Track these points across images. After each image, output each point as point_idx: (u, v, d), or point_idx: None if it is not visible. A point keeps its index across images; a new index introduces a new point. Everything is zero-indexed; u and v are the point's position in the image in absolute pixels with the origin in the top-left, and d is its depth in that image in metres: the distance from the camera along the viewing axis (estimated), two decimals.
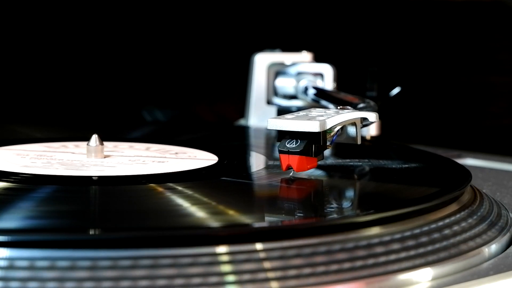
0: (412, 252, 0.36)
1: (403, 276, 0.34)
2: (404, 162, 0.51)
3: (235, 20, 0.90)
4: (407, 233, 0.36)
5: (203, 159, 0.48)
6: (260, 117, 0.67)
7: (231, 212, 0.37)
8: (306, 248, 0.34)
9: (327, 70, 0.64)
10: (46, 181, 0.42)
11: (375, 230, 0.36)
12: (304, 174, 0.43)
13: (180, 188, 0.41)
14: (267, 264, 0.33)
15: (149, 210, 0.37)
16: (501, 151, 0.70)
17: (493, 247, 0.39)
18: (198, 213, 0.37)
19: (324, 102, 0.59)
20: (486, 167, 0.60)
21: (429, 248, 0.36)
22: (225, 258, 0.32)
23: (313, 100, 0.62)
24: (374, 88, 0.67)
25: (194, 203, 0.39)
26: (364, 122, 0.45)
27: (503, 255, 0.38)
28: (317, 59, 0.68)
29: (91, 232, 0.33)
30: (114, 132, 0.60)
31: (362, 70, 0.69)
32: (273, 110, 0.66)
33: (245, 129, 0.66)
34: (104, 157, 0.48)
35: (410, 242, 0.36)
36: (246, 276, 0.32)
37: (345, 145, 0.45)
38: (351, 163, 0.49)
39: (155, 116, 0.80)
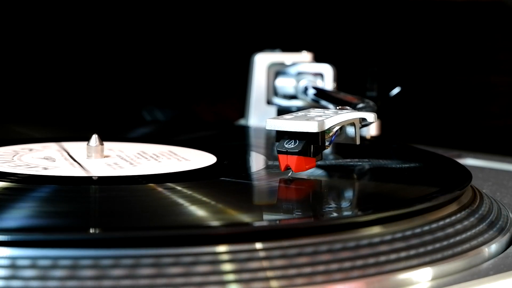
0: (412, 252, 0.36)
1: (403, 276, 0.34)
2: (404, 162, 0.51)
3: (235, 20, 0.90)
4: (407, 233, 0.36)
5: (203, 159, 0.48)
6: (260, 117, 0.67)
7: (230, 211, 0.37)
8: (305, 248, 0.34)
9: (327, 70, 0.64)
10: (46, 181, 0.42)
11: (375, 230, 0.36)
12: (303, 174, 0.43)
13: (179, 188, 0.41)
14: (266, 263, 0.33)
15: (149, 210, 0.37)
16: (501, 151, 0.70)
17: (493, 247, 0.39)
18: (198, 212, 0.37)
19: (324, 102, 0.59)
20: (486, 167, 0.60)
21: (429, 248, 0.36)
22: (225, 257, 0.32)
23: (313, 100, 0.62)
24: (374, 88, 0.67)
25: (193, 203, 0.39)
26: (363, 122, 0.45)
27: (503, 255, 0.38)
28: (317, 59, 0.68)
29: (92, 231, 0.33)
30: (114, 132, 0.60)
31: (362, 70, 0.69)
32: (273, 110, 0.66)
33: (245, 129, 0.66)
34: (104, 157, 0.48)
35: (410, 242, 0.36)
36: (246, 275, 0.32)
37: (345, 145, 0.45)
38: (351, 163, 0.49)
39: (155, 116, 0.80)
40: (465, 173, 0.45)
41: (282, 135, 0.42)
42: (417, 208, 0.38)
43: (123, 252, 0.32)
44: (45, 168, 0.45)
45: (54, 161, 0.47)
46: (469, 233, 0.39)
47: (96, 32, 0.88)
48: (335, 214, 0.38)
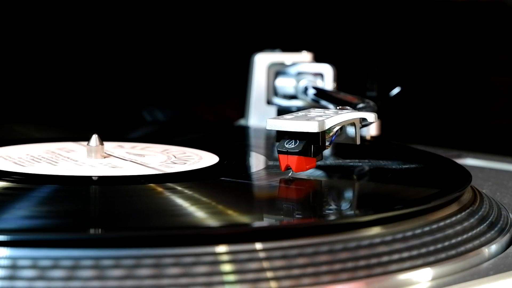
0: (412, 253, 0.36)
1: (403, 276, 0.35)
2: (404, 162, 0.51)
3: (235, 20, 0.90)
4: (407, 234, 0.36)
5: (203, 159, 0.48)
6: (260, 117, 0.67)
7: (231, 212, 0.37)
8: (305, 248, 0.34)
9: (327, 70, 0.64)
10: (46, 181, 0.42)
11: (375, 231, 0.36)
12: (304, 174, 0.43)
13: (180, 188, 0.41)
14: (267, 264, 0.33)
15: (149, 210, 0.37)
16: (501, 151, 0.70)
17: (493, 247, 0.39)
18: (198, 213, 0.37)
19: (324, 102, 0.59)
20: (486, 167, 0.60)
21: (429, 248, 0.36)
22: (225, 257, 0.32)
23: (313, 100, 0.62)
24: (374, 88, 0.67)
25: (194, 203, 0.39)
26: (364, 122, 0.45)
27: (503, 255, 0.38)
28: (317, 59, 0.68)
29: (93, 231, 0.33)
30: (114, 132, 0.60)
31: (362, 70, 0.69)
32: (273, 110, 0.66)
33: (245, 129, 0.66)
34: (104, 157, 0.48)
35: (410, 243, 0.36)
36: (246, 276, 0.32)
37: (345, 145, 0.45)
38: (351, 163, 0.49)
39: (155, 116, 0.80)
40: (465, 174, 0.45)
41: (282, 135, 0.42)
42: (417, 209, 0.38)
43: (123, 252, 0.32)
44: (46, 167, 0.45)
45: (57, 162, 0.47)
46: (469, 234, 0.39)
47: (96, 32, 0.88)
48: (335, 215, 0.38)
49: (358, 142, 0.45)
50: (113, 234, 0.33)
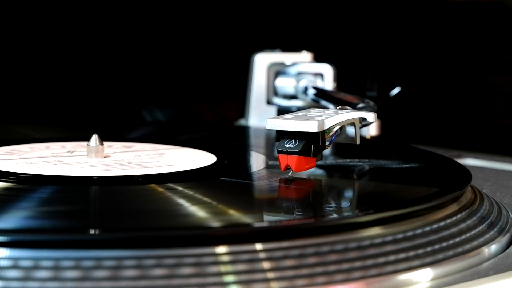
0: (412, 252, 0.36)
1: (403, 276, 0.35)
2: (404, 162, 0.51)
3: (235, 20, 0.90)
4: (408, 233, 0.36)
5: (203, 159, 0.48)
6: (260, 117, 0.67)
7: (231, 212, 0.37)
8: (305, 249, 0.34)
9: (327, 70, 0.64)
10: (46, 181, 0.42)
11: (375, 230, 0.36)
12: (304, 174, 0.43)
13: (180, 188, 0.41)
14: (267, 264, 0.33)
15: (149, 210, 0.37)
16: (501, 151, 0.70)
17: (493, 247, 0.39)
18: (198, 213, 0.37)
19: (324, 102, 0.59)
20: (486, 167, 0.60)
21: (430, 248, 0.36)
22: (225, 258, 0.32)
23: (313, 100, 0.62)
24: (374, 88, 0.67)
25: (194, 203, 0.39)
26: (363, 122, 0.45)
27: (503, 255, 0.38)
28: (317, 59, 0.68)
29: (93, 232, 0.33)
30: (114, 132, 0.60)
31: (362, 70, 0.69)
32: (273, 110, 0.66)
33: (245, 129, 0.66)
34: (104, 157, 0.48)
35: (411, 242, 0.36)
36: (246, 276, 0.32)
37: (345, 144, 0.45)
38: (351, 163, 0.49)
39: (155, 116, 0.80)
40: (465, 173, 0.45)
41: (282, 135, 0.42)
42: (417, 208, 0.38)
43: (123, 253, 0.32)
44: (45, 167, 0.45)
45: (61, 161, 0.47)
46: (469, 234, 0.39)
47: (96, 32, 0.88)
48: (335, 215, 0.38)
49: (358, 142, 0.45)
50: (113, 235, 0.33)
